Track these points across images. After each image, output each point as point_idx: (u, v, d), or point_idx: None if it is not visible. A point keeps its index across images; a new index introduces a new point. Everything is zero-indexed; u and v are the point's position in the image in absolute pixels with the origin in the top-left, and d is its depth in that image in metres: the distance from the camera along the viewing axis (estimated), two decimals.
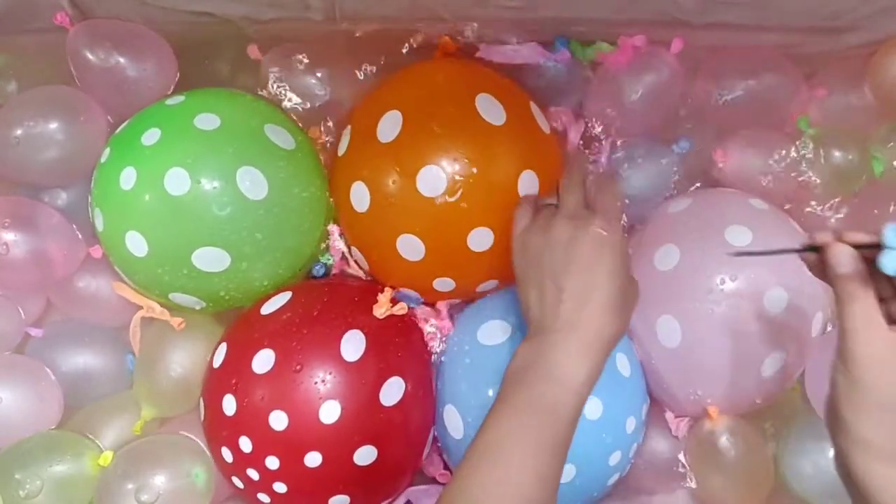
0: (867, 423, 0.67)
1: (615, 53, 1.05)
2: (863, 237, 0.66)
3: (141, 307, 1.02)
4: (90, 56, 0.99)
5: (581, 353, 0.73)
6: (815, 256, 0.70)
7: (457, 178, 0.90)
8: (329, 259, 1.06)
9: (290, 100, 1.06)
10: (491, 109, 0.93)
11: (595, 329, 0.74)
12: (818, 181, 1.07)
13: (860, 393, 0.66)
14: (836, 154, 1.06)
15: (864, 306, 0.66)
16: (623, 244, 0.77)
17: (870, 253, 0.64)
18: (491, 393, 0.93)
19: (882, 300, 0.68)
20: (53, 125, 0.99)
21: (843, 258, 0.66)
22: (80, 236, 1.02)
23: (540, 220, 0.81)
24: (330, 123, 1.08)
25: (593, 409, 0.91)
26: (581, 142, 1.09)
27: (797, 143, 1.07)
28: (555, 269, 0.76)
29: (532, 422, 0.71)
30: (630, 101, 1.06)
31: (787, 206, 1.07)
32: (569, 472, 0.91)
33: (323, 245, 1.05)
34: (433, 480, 1.07)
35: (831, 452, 0.99)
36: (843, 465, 0.70)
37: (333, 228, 1.04)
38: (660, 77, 1.06)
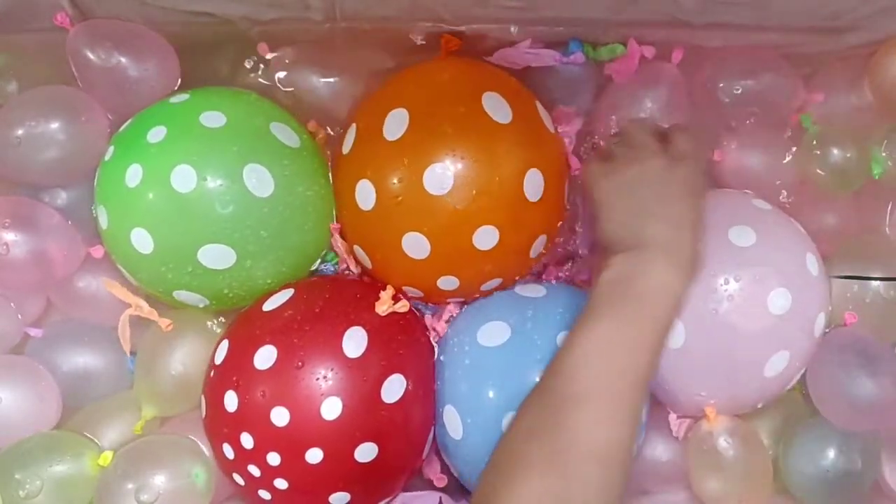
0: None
1: (622, 59, 1.06)
2: None
3: (130, 305, 1.02)
4: (91, 56, 0.99)
5: (679, 267, 0.76)
6: None
7: (463, 176, 0.90)
8: (333, 258, 1.07)
9: (293, 98, 1.07)
10: (497, 108, 0.93)
11: (688, 254, 0.77)
12: (820, 175, 1.07)
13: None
14: (836, 153, 1.06)
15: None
16: (705, 186, 0.83)
17: None
18: (491, 394, 0.93)
19: None
20: (54, 125, 0.98)
21: None
22: (80, 236, 1.02)
23: (627, 152, 0.85)
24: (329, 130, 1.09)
25: None
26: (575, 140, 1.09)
27: (800, 141, 1.08)
28: (649, 197, 0.80)
29: (644, 329, 0.74)
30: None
31: (786, 203, 1.07)
32: None
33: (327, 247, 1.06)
34: (431, 483, 1.07)
35: (831, 453, 1.00)
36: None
37: (335, 227, 1.04)
38: (662, 98, 1.07)
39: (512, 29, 1.04)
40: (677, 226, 0.78)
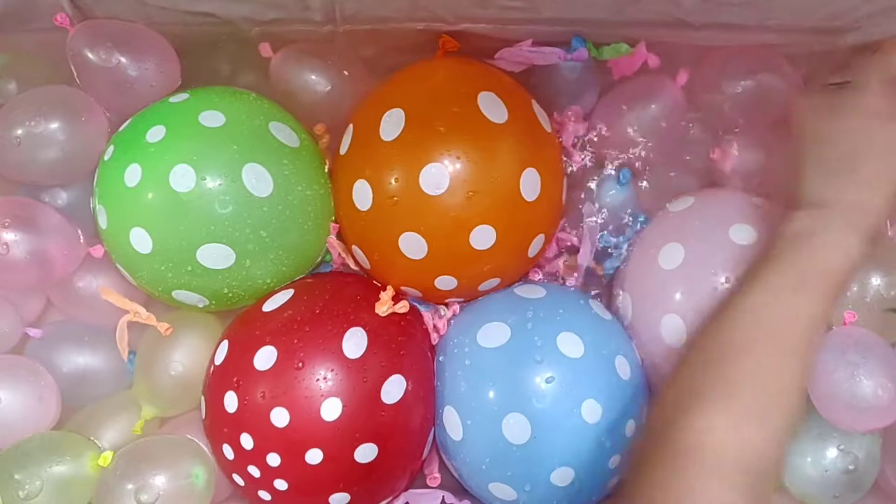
0: None
1: (626, 57, 1.06)
2: None
3: (127, 311, 1.02)
4: (91, 56, 0.98)
5: (858, 238, 0.76)
6: None
7: (460, 176, 0.90)
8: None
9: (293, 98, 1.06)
10: (493, 107, 0.93)
11: (873, 221, 0.77)
12: None
13: None
14: None
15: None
16: None
17: None
18: (491, 395, 0.93)
19: None
20: (54, 125, 0.98)
21: None
22: (80, 236, 1.02)
23: (848, 98, 0.83)
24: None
25: (592, 412, 0.91)
26: (573, 141, 1.09)
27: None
28: (860, 152, 0.79)
29: (819, 288, 0.75)
30: (628, 133, 1.07)
31: None
32: (568, 475, 0.92)
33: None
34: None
35: (831, 453, 1.00)
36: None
37: (334, 226, 1.04)
38: (662, 113, 1.07)
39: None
40: (874, 188, 0.78)
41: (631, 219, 1.08)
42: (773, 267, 0.77)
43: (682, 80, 1.06)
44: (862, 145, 0.79)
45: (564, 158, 1.07)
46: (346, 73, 1.07)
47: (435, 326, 1.03)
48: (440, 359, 1.01)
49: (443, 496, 1.03)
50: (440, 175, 0.90)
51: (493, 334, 0.97)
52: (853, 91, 0.84)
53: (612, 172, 1.08)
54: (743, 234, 0.95)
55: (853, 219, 0.76)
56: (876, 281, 1.02)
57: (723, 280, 0.92)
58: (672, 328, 0.96)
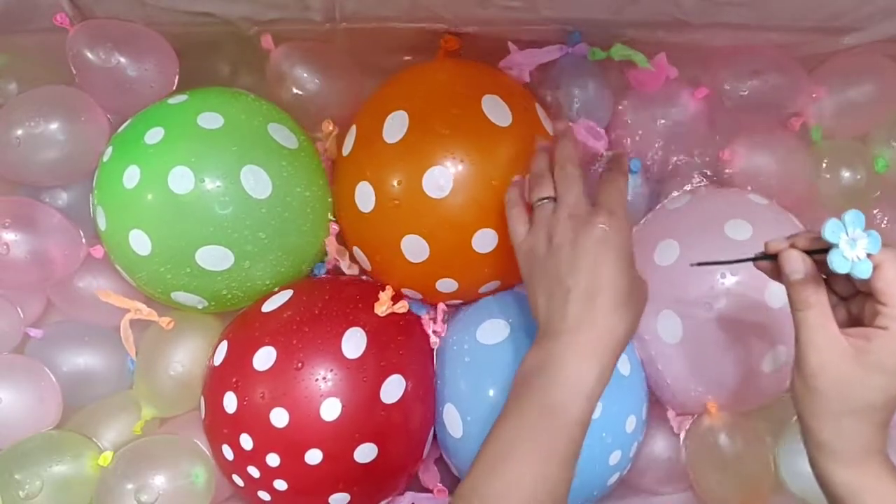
0: (825, 429, 0.68)
1: (647, 74, 1.06)
2: (810, 242, 0.67)
3: (128, 310, 1.02)
4: (90, 56, 0.98)
5: (590, 355, 0.72)
6: (771, 264, 0.71)
7: (462, 178, 0.90)
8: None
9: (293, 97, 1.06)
10: (497, 110, 0.93)
11: (603, 329, 0.73)
12: (828, 195, 1.09)
13: (816, 400, 0.68)
14: (846, 175, 1.09)
15: (817, 313, 0.67)
16: (628, 240, 0.76)
17: (822, 257, 0.64)
18: (491, 392, 0.93)
19: (843, 299, 0.70)
20: (54, 125, 0.98)
21: (795, 265, 0.67)
22: (81, 236, 1.02)
23: (541, 220, 0.80)
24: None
25: None
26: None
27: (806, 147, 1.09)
28: (560, 271, 0.75)
29: (541, 426, 0.71)
30: (649, 142, 1.08)
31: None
32: None
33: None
34: (429, 493, 1.07)
35: None
36: (813, 468, 0.72)
37: (333, 228, 1.04)
38: (682, 125, 1.08)
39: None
40: (589, 301, 0.73)
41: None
42: (507, 413, 0.74)
43: (702, 94, 1.06)
44: (566, 262, 0.75)
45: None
46: (345, 72, 1.07)
47: (434, 331, 1.03)
48: (440, 357, 1.01)
49: (450, 500, 1.03)
50: (443, 178, 0.90)
51: (493, 331, 0.97)
52: (549, 209, 0.81)
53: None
54: (738, 230, 0.95)
55: (578, 342, 0.73)
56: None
57: (718, 276, 0.93)
58: (668, 325, 0.97)
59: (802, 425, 0.71)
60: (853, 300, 0.71)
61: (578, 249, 0.74)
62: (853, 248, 0.62)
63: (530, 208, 0.84)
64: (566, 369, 0.72)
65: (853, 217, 0.62)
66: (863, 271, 0.62)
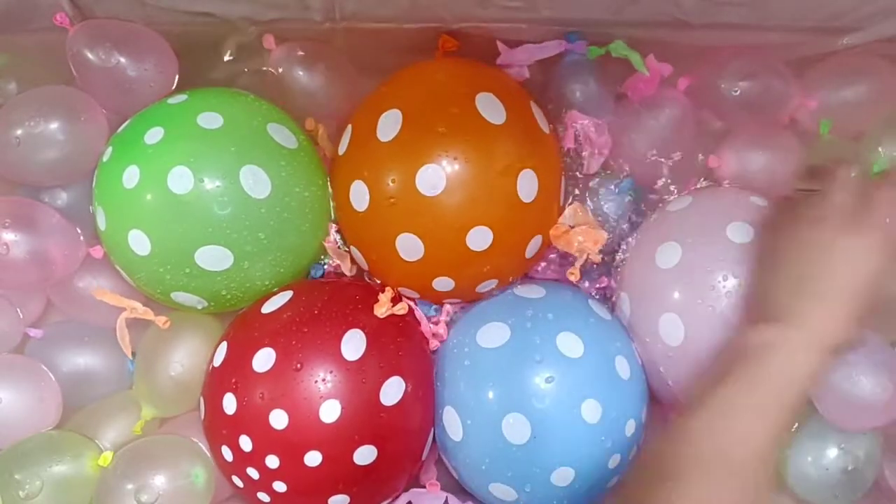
0: None
1: (641, 80, 1.06)
2: None
3: (124, 309, 1.02)
4: (90, 56, 0.98)
5: (816, 354, 0.76)
6: None
7: (456, 177, 0.90)
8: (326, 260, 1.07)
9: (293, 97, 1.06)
10: (491, 108, 0.93)
11: (833, 334, 0.76)
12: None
13: None
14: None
15: None
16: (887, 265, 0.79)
17: None
18: (491, 396, 0.93)
19: None
20: (54, 125, 0.98)
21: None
22: (80, 236, 1.02)
23: (812, 210, 0.83)
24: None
25: (592, 411, 0.91)
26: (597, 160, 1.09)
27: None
28: (843, 261, 0.78)
29: (770, 410, 0.75)
30: (641, 148, 1.07)
31: None
32: (568, 475, 0.92)
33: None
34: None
35: (831, 452, 1.00)
36: None
37: (332, 228, 1.04)
38: (673, 128, 1.07)
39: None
40: (837, 302, 0.77)
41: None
42: (731, 383, 0.76)
43: (683, 85, 1.07)
44: (825, 259, 0.79)
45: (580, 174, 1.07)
46: (345, 72, 1.07)
47: (435, 333, 1.03)
48: (439, 359, 1.01)
49: (446, 497, 1.03)
50: (437, 176, 0.90)
51: (493, 334, 0.96)
52: (820, 201, 0.83)
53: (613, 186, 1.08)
54: (740, 232, 0.95)
55: (816, 335, 0.76)
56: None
57: (720, 278, 0.92)
58: (670, 327, 0.96)
59: None
60: None
61: (843, 256, 0.78)
62: None
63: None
64: (800, 364, 0.76)
65: None
66: None
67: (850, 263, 0.78)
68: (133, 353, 1.05)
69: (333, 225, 1.04)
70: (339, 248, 1.05)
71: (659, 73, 1.05)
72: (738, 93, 1.05)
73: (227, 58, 1.07)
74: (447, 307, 1.05)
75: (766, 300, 0.81)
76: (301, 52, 1.05)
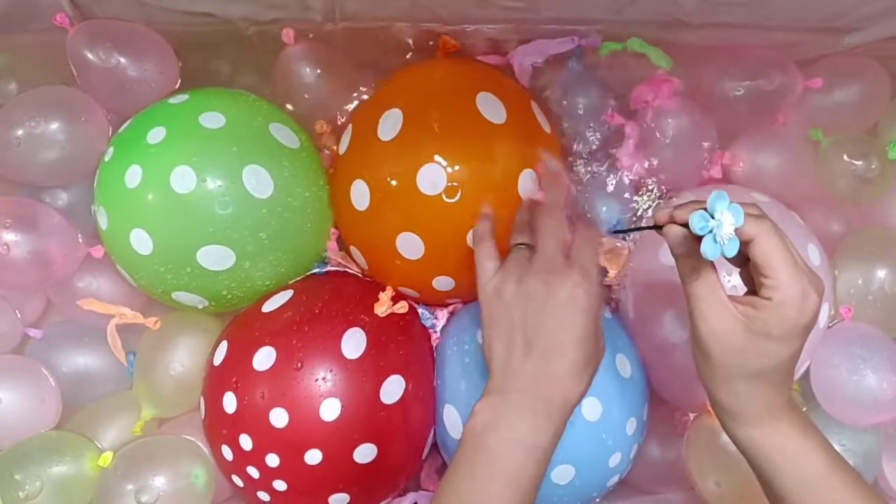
0: (723, 393, 0.71)
1: (651, 96, 1.07)
2: (683, 216, 0.66)
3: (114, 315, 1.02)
4: (91, 56, 0.98)
5: (545, 418, 0.71)
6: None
7: (457, 176, 0.90)
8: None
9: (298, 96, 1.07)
10: (491, 108, 0.93)
11: (560, 393, 0.72)
12: (844, 187, 1.10)
13: (710, 366, 0.70)
14: (860, 164, 1.09)
15: (703, 283, 0.69)
16: (599, 304, 0.75)
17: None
18: None
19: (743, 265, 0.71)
20: (54, 125, 0.98)
21: (676, 239, 0.68)
22: (80, 236, 1.02)
23: (514, 264, 0.78)
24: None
25: (593, 410, 0.91)
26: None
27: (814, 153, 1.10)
28: (526, 323, 0.73)
29: (494, 489, 0.69)
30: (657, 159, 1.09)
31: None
32: (568, 473, 0.92)
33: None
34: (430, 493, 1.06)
35: None
36: (724, 430, 0.75)
37: (334, 233, 1.05)
38: (690, 138, 1.08)
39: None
40: (550, 362, 0.72)
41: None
42: (455, 468, 0.72)
43: (672, 89, 1.07)
44: (533, 314, 0.73)
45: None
46: (344, 72, 1.07)
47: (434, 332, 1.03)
48: (440, 357, 1.01)
49: None
50: (437, 175, 0.90)
51: None
52: (523, 255, 0.80)
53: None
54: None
55: (531, 403, 0.71)
56: (881, 274, 1.03)
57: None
58: (673, 325, 0.96)
59: (706, 390, 0.74)
60: (744, 268, 0.72)
61: (549, 306, 0.73)
62: (721, 231, 0.63)
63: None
64: (521, 431, 0.71)
65: (715, 200, 0.63)
66: (731, 250, 0.64)
67: (560, 317, 0.72)
68: (132, 354, 1.05)
69: (334, 231, 1.05)
70: (340, 254, 1.06)
71: (668, 89, 1.06)
72: (741, 92, 1.06)
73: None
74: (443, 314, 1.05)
75: (490, 366, 0.76)
76: (303, 51, 1.05)
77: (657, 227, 0.70)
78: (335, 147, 1.05)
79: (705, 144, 1.08)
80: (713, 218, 0.63)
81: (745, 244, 0.65)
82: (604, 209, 1.07)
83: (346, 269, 1.07)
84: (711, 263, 0.68)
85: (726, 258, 0.65)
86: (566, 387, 0.72)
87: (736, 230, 0.64)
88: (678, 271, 0.70)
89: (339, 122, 1.08)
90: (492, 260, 0.81)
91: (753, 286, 0.70)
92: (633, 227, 0.76)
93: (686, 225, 0.65)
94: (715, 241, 0.63)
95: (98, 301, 1.01)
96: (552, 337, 0.72)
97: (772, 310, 0.66)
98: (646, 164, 1.08)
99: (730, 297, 0.68)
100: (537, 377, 0.72)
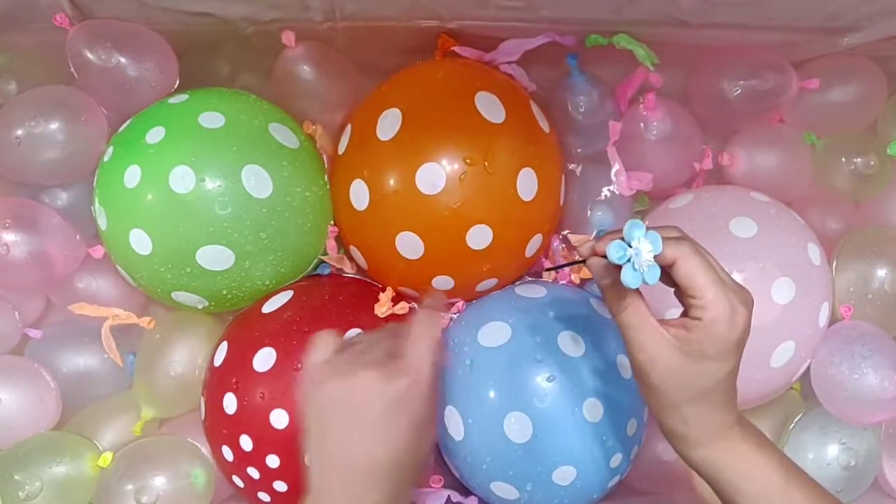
0: (670, 419, 0.70)
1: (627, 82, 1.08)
2: (599, 248, 0.65)
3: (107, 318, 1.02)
4: (90, 56, 0.98)
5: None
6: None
7: (456, 175, 0.90)
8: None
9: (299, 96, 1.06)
10: (490, 107, 0.93)
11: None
12: (844, 186, 1.10)
13: (654, 394, 0.69)
14: (859, 161, 1.09)
15: (632, 313, 0.67)
16: (424, 408, 0.68)
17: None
18: (492, 395, 0.92)
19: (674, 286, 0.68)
20: (54, 125, 0.98)
21: (599, 272, 0.67)
22: (80, 236, 1.02)
23: (342, 359, 0.70)
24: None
25: (593, 411, 0.91)
26: None
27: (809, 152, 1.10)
28: (337, 428, 0.66)
29: None
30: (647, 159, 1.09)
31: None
32: (569, 474, 0.91)
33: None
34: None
35: (832, 448, 1.00)
36: (679, 456, 0.74)
37: (332, 231, 1.04)
38: (680, 141, 1.09)
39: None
40: (352, 473, 0.65)
41: None
42: None
43: (651, 104, 1.07)
44: (349, 420, 0.65)
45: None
46: (345, 72, 1.07)
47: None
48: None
49: (448, 495, 1.03)
50: (436, 174, 0.90)
51: (494, 334, 0.96)
52: (348, 355, 0.71)
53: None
54: (743, 228, 0.95)
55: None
56: (881, 272, 1.03)
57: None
58: None
59: (656, 420, 0.73)
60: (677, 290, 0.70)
61: (362, 408, 0.65)
62: (639, 259, 0.62)
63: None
64: None
65: (631, 229, 0.62)
66: (652, 278, 0.63)
67: (372, 413, 0.65)
68: (132, 355, 1.05)
69: (333, 228, 1.04)
70: (336, 257, 1.05)
71: (642, 77, 1.06)
72: (738, 92, 1.06)
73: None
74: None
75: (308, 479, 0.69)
76: (303, 51, 1.05)
77: (582, 262, 0.69)
78: (329, 146, 1.06)
79: (692, 142, 1.10)
80: (630, 247, 0.62)
81: (668, 268, 0.64)
82: (598, 213, 1.07)
83: (342, 271, 1.07)
84: (638, 291, 0.67)
85: (648, 284, 0.63)
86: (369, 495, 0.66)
87: (656, 256, 0.63)
88: (606, 304, 0.70)
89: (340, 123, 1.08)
90: (325, 349, 0.71)
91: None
92: (561, 264, 0.75)
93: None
94: (634, 269, 0.62)
95: (89, 304, 1.02)
96: (357, 444, 0.66)
97: (703, 329, 0.65)
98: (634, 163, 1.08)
99: (660, 321, 0.68)
100: (335, 491, 0.66)
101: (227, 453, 0.92)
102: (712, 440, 0.70)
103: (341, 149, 1.00)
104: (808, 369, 1.02)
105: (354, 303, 0.97)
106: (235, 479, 0.94)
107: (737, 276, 0.92)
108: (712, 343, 0.65)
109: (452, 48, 1.05)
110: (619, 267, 0.63)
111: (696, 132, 1.11)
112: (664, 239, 0.63)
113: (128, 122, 0.99)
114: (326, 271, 1.08)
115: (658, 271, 0.63)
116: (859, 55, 1.08)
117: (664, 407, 0.70)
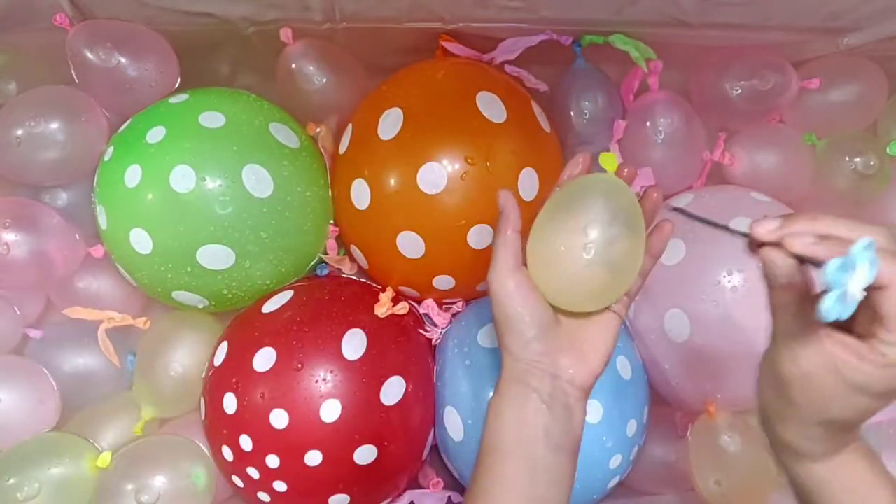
0: (793, 433, 0.64)
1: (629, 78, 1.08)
2: (805, 248, 0.56)
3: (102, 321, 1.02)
4: (90, 56, 0.98)
5: None
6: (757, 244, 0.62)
7: (457, 175, 0.90)
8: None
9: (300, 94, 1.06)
10: (492, 107, 0.93)
11: None
12: (845, 186, 1.10)
13: (787, 407, 0.63)
14: (859, 161, 1.09)
15: (803, 321, 0.59)
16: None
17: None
18: (491, 395, 0.92)
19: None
20: (54, 125, 0.98)
21: (782, 270, 0.58)
22: (80, 236, 1.02)
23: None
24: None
25: (594, 412, 0.91)
26: None
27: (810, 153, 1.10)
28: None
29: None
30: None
31: None
32: None
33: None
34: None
35: None
36: (776, 459, 0.68)
37: (333, 230, 1.04)
38: (683, 137, 1.08)
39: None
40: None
41: None
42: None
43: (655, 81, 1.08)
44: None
45: None
46: (346, 71, 1.07)
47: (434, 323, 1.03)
48: (440, 359, 1.01)
49: (448, 496, 1.03)
50: (438, 174, 0.90)
51: (493, 334, 0.96)
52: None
53: None
54: (744, 227, 0.95)
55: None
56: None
57: (724, 273, 0.92)
58: (676, 323, 0.96)
59: (766, 425, 0.68)
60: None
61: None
62: (855, 288, 0.50)
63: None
64: None
65: (864, 250, 0.49)
66: (849, 312, 0.50)
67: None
68: (132, 355, 1.04)
69: (334, 228, 1.04)
70: (335, 258, 1.05)
71: (642, 74, 1.06)
72: (738, 92, 1.06)
73: None
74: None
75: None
76: (306, 50, 1.05)
77: (746, 236, 0.62)
78: (330, 146, 1.06)
79: (698, 138, 1.09)
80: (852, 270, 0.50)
81: (872, 288, 0.53)
82: None
83: (341, 271, 1.07)
84: (805, 300, 0.59)
85: (842, 319, 0.51)
86: None
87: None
88: (769, 300, 0.61)
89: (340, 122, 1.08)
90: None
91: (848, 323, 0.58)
92: (712, 220, 0.65)
93: (799, 257, 0.55)
94: (838, 299, 0.50)
95: (83, 308, 1.01)
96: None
97: (881, 368, 0.56)
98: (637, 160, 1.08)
99: (827, 334, 0.58)
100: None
101: (227, 453, 0.92)
102: (828, 456, 0.65)
103: (342, 148, 1.00)
104: None
105: (354, 303, 0.97)
106: (235, 478, 0.94)
107: (737, 277, 0.92)
108: (882, 383, 0.57)
109: (445, 46, 1.05)
110: (802, 262, 0.55)
111: (700, 131, 1.11)
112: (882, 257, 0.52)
113: (128, 121, 0.99)
114: (325, 272, 1.08)
115: (855, 305, 0.50)
116: (859, 55, 1.08)
117: (791, 421, 0.64)
